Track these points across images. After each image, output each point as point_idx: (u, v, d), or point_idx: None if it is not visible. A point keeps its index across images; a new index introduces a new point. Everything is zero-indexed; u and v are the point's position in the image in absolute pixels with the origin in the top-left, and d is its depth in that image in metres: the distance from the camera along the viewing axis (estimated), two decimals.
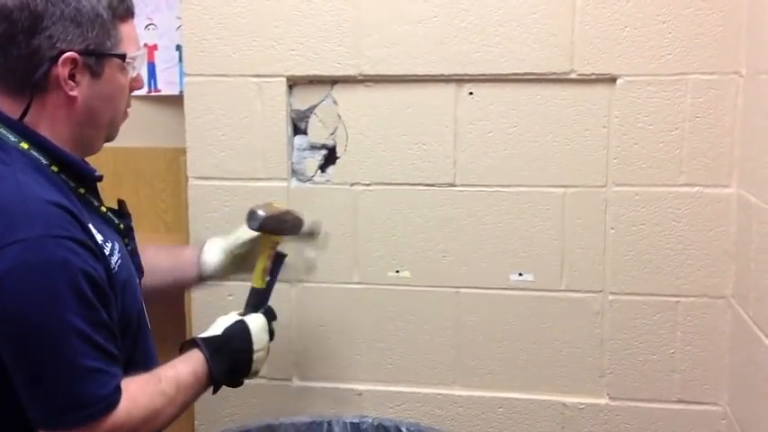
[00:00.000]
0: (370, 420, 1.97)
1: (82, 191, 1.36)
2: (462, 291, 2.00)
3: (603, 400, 1.97)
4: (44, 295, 1.19)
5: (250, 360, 1.54)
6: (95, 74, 1.33)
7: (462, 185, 1.96)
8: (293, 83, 2.00)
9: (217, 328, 1.55)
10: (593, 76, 1.87)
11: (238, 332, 1.54)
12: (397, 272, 2.01)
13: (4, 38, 1.27)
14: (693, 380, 1.92)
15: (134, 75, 1.41)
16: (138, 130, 2.17)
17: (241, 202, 2.03)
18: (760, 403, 1.66)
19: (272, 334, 1.61)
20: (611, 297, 1.93)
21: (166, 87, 2.24)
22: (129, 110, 1.45)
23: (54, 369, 1.20)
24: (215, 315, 2.04)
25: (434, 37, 1.91)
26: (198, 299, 2.09)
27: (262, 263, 1.64)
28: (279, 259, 1.68)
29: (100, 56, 1.32)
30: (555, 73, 1.88)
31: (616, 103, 1.87)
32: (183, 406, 1.40)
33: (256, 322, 1.58)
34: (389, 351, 2.04)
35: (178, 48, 2.16)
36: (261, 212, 1.62)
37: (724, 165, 1.84)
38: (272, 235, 1.66)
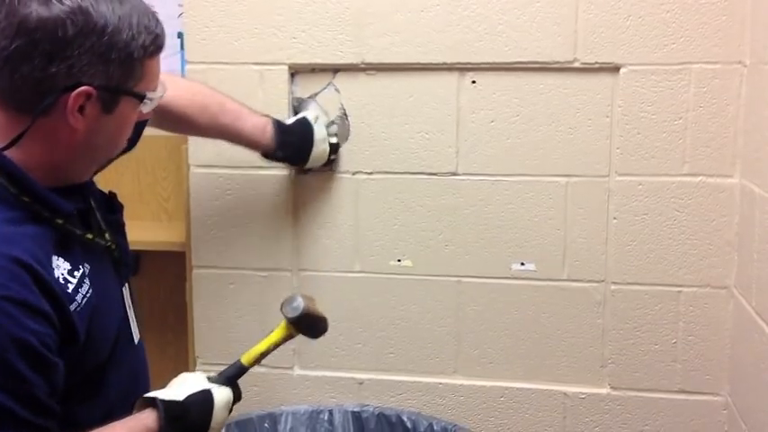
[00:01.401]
0: (371, 409, 1.97)
1: (59, 221, 1.24)
2: (464, 280, 1.99)
3: (605, 390, 1.97)
4: None
5: None
6: (107, 110, 1.21)
7: (464, 174, 1.96)
8: (295, 71, 1.99)
9: (179, 390, 1.36)
10: (597, 66, 1.86)
11: (201, 403, 1.36)
12: (399, 261, 2.01)
13: (19, 54, 1.13)
14: (695, 370, 1.92)
15: (147, 110, 1.30)
16: None
17: (243, 190, 2.03)
18: (761, 393, 1.66)
19: (230, 412, 1.45)
20: (613, 287, 1.93)
21: None
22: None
23: None
24: (217, 304, 2.07)
25: (437, 25, 1.90)
26: (199, 287, 2.08)
27: (266, 346, 1.50)
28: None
29: (117, 93, 1.21)
30: (558, 62, 1.87)
31: (619, 92, 1.86)
32: None
33: (222, 396, 1.39)
34: (391, 340, 2.04)
35: (179, 35, 2.15)
36: (302, 304, 1.49)
37: (727, 154, 1.84)
38: (297, 330, 1.52)
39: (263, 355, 1.50)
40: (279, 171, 2.01)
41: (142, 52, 1.21)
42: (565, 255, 1.94)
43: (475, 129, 1.93)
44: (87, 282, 1.26)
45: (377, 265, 2.02)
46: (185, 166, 2.06)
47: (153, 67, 1.26)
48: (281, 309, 1.51)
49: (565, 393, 1.98)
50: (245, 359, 1.47)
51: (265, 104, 1.98)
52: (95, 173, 1.36)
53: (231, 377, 1.44)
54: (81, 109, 1.18)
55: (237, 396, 1.44)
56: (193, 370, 2.10)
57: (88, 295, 1.25)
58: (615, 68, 1.86)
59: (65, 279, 1.21)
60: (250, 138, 1.83)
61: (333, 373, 2.07)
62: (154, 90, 1.28)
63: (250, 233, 2.04)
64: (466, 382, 2.03)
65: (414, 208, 1.99)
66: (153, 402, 1.31)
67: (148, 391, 1.42)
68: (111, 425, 1.25)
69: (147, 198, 2.37)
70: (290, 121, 1.91)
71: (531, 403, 2.00)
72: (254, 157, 2.00)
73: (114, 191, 1.45)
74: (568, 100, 1.89)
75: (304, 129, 1.90)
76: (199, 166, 2.04)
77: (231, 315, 2.08)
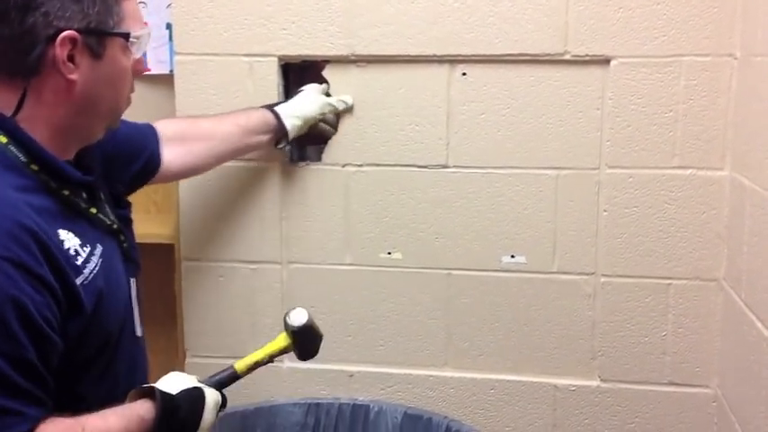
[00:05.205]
0: (368, 404, 1.96)
1: (66, 192, 1.26)
2: (454, 272, 1.99)
3: (595, 382, 1.97)
4: None
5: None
6: (97, 55, 1.22)
7: (455, 167, 1.95)
8: (285, 62, 1.98)
9: (171, 385, 1.33)
10: (587, 58, 1.85)
11: (192, 400, 1.33)
12: (389, 253, 2.01)
13: None
14: (684, 362, 1.92)
15: (138, 56, 1.31)
16: (128, 110, 2.14)
17: (232, 182, 2.02)
18: (751, 386, 1.66)
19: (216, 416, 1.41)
20: (603, 279, 1.93)
21: (156, 66, 2.21)
22: (132, 95, 1.38)
23: None
24: (206, 296, 2.06)
25: (427, 17, 1.89)
26: (188, 280, 2.08)
27: (261, 356, 1.48)
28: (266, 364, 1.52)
29: (102, 35, 1.22)
30: (549, 54, 1.87)
31: (610, 84, 1.86)
32: None
33: (212, 397, 1.37)
34: (381, 332, 2.04)
35: (168, 26, 2.14)
36: (307, 316, 1.50)
37: (717, 147, 1.84)
38: (294, 343, 1.51)
39: (258, 364, 1.47)
40: (268, 163, 2.00)
41: None
42: (555, 247, 1.94)
43: (465, 121, 1.93)
44: (96, 261, 1.26)
45: (367, 258, 2.02)
46: None
47: (130, 6, 1.28)
48: (285, 318, 1.49)
49: (555, 386, 1.99)
50: (238, 366, 1.45)
51: (255, 96, 1.97)
52: (107, 131, 1.37)
53: (222, 382, 1.42)
54: (72, 59, 1.20)
55: (224, 402, 1.41)
56: (183, 363, 2.10)
57: (95, 272, 1.25)
58: (606, 61, 1.85)
59: (75, 251, 1.22)
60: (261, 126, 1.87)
61: (323, 366, 2.06)
62: (140, 29, 1.29)
63: (239, 225, 2.03)
64: (456, 375, 2.03)
65: (404, 200, 1.98)
66: (149, 393, 1.29)
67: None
68: (103, 412, 1.23)
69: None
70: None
71: (521, 395, 2.00)
72: None
73: None
74: (559, 92, 1.89)
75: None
76: None
77: (220, 307, 2.07)
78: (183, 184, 2.04)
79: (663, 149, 1.86)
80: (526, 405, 2.00)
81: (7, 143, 1.20)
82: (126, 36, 1.26)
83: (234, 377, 1.44)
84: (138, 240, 1.51)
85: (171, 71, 2.07)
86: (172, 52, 2.04)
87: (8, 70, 1.20)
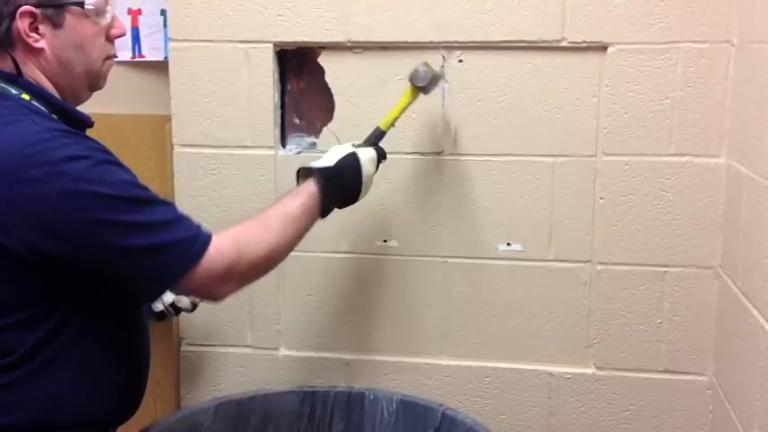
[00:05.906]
0: (364, 392, 1.96)
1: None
2: (450, 260, 1.99)
3: (590, 370, 1.97)
4: (117, 186, 1.31)
5: (359, 188, 1.67)
6: (57, 24, 1.37)
7: (451, 154, 1.94)
8: (281, 49, 1.97)
9: (330, 159, 1.65)
10: (584, 45, 1.85)
11: (350, 163, 1.65)
12: (385, 241, 2.00)
13: None
14: (680, 350, 1.92)
15: (105, 21, 1.43)
16: (122, 97, 2.14)
17: (227, 170, 2.01)
18: (746, 374, 1.66)
19: (377, 167, 1.73)
20: (599, 267, 1.93)
21: (151, 53, 2.20)
22: (113, 60, 1.50)
23: (164, 230, 1.34)
24: None
25: (424, 3, 1.88)
26: None
27: (399, 112, 1.79)
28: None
29: (56, 6, 1.36)
30: (546, 41, 1.86)
31: (607, 71, 1.85)
32: (296, 235, 1.53)
33: (366, 155, 1.68)
34: (377, 321, 2.04)
35: (163, 12, 2.12)
36: (429, 73, 1.78)
37: (714, 135, 1.83)
38: (422, 92, 1.79)
39: (396, 119, 1.79)
40: (264, 151, 2.00)
41: None
42: (551, 235, 1.94)
43: (461, 108, 1.92)
44: None
45: (363, 246, 2.01)
46: (169, 146, 2.05)
47: None
48: (411, 80, 1.78)
49: (550, 373, 1.99)
50: (382, 125, 1.77)
51: (250, 83, 1.96)
52: (91, 90, 1.50)
53: (371, 140, 1.75)
54: (36, 30, 1.36)
55: (382, 154, 1.74)
56: (178, 351, 2.09)
57: None
58: (602, 48, 1.85)
59: None
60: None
61: (319, 354, 2.06)
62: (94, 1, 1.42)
63: (234, 214, 2.02)
64: (452, 363, 2.03)
65: (400, 188, 1.98)
66: (310, 172, 1.61)
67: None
68: (277, 199, 1.58)
69: None
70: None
71: (516, 383, 2.00)
72: (239, 136, 1.99)
73: None
74: (555, 79, 1.88)
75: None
76: (183, 145, 2.03)
77: None
78: (178, 173, 2.04)
79: (659, 137, 1.85)
80: (521, 393, 2.00)
81: (31, 99, 1.36)
82: (80, 4, 1.39)
83: (381, 134, 1.77)
84: None
85: (165, 58, 2.06)
86: (166, 39, 2.03)
87: None
